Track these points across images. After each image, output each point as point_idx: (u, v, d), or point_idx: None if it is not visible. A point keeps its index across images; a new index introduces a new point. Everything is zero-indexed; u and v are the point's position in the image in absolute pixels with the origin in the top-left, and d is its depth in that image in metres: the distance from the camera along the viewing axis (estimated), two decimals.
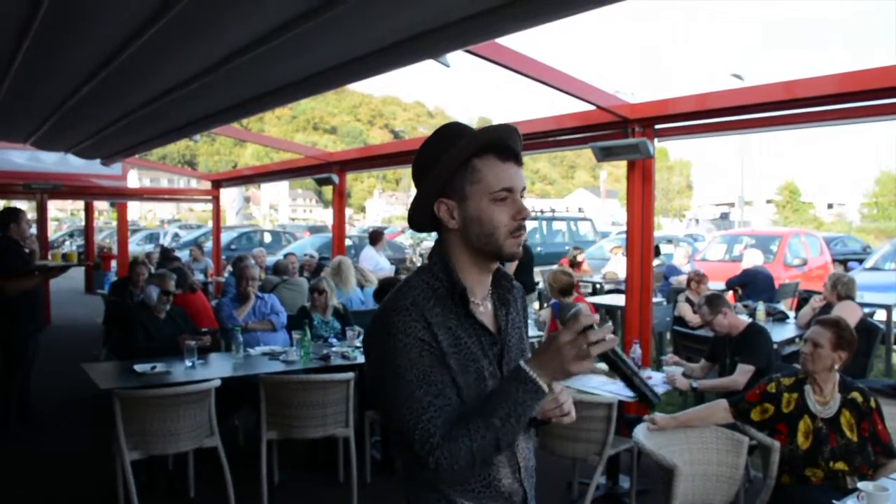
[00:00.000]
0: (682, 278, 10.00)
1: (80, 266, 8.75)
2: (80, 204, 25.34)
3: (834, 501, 2.66)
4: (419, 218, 1.67)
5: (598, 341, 1.43)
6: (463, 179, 1.58)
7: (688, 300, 7.75)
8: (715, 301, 4.94)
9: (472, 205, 1.57)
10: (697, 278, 8.02)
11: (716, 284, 8.70)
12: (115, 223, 20.48)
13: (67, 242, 26.38)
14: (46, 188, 11.25)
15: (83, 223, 18.99)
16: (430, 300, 1.56)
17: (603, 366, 4.68)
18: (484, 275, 1.66)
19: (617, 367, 1.51)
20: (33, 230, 8.65)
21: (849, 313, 5.68)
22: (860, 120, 4.90)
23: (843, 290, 6.40)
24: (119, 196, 13.76)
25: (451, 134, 1.62)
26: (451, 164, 1.57)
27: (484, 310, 1.66)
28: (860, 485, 2.62)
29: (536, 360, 1.48)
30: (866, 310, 7.32)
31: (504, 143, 1.60)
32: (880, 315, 8.50)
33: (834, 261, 14.43)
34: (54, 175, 11.08)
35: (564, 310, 1.52)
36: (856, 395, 3.38)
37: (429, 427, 1.47)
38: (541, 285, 12.23)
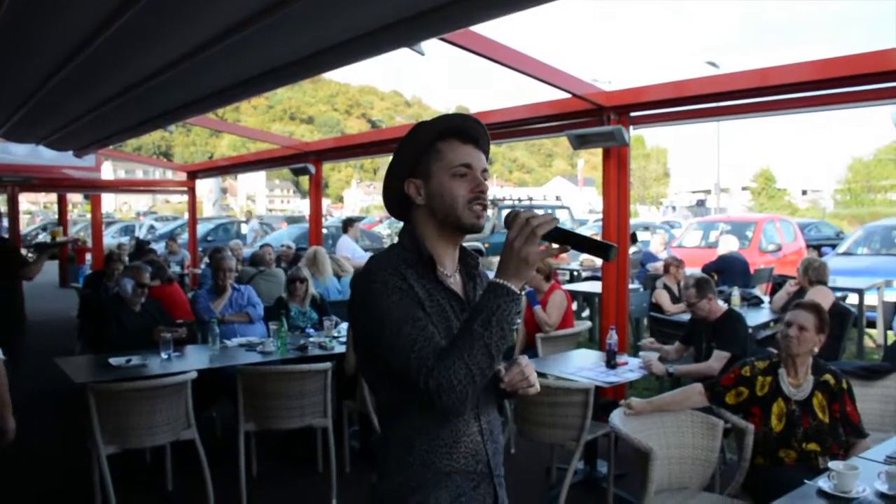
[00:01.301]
0: (659, 265, 10.05)
1: (62, 245, 8.66)
2: (54, 196, 25.03)
3: (806, 481, 2.70)
4: (391, 198, 1.85)
5: (542, 223, 1.56)
6: (428, 160, 1.75)
7: (665, 287, 7.80)
8: (704, 285, 4.98)
9: (435, 181, 1.74)
10: (676, 264, 8.07)
11: (692, 270, 8.76)
12: (89, 216, 20.25)
13: (41, 236, 26.02)
14: (17, 181, 11.09)
15: (56, 216, 18.75)
16: (402, 264, 1.70)
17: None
18: (450, 247, 1.80)
19: (567, 240, 1.60)
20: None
21: (821, 298, 5.75)
22: (834, 107, 4.95)
23: (814, 274, 6.47)
24: (93, 188, 13.56)
25: (419, 124, 1.80)
26: (417, 146, 1.76)
27: (454, 281, 1.80)
28: (831, 464, 2.67)
29: (499, 269, 1.60)
30: (839, 294, 7.41)
31: (463, 127, 1.77)
32: (853, 299, 8.62)
33: (808, 246, 14.57)
34: (25, 167, 10.92)
35: (507, 217, 1.63)
36: (828, 377, 3.43)
37: (422, 354, 1.56)
38: None
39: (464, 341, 1.55)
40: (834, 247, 13.98)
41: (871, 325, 9.40)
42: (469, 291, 1.81)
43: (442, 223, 1.75)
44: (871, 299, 9.19)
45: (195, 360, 5.00)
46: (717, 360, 4.69)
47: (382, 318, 1.61)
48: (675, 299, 7.51)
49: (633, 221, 11.45)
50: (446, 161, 1.73)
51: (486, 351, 1.54)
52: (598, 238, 1.64)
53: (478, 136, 1.79)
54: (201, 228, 19.17)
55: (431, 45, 4.29)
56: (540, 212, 1.60)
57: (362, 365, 1.80)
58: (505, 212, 18.51)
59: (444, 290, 1.73)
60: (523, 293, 6.25)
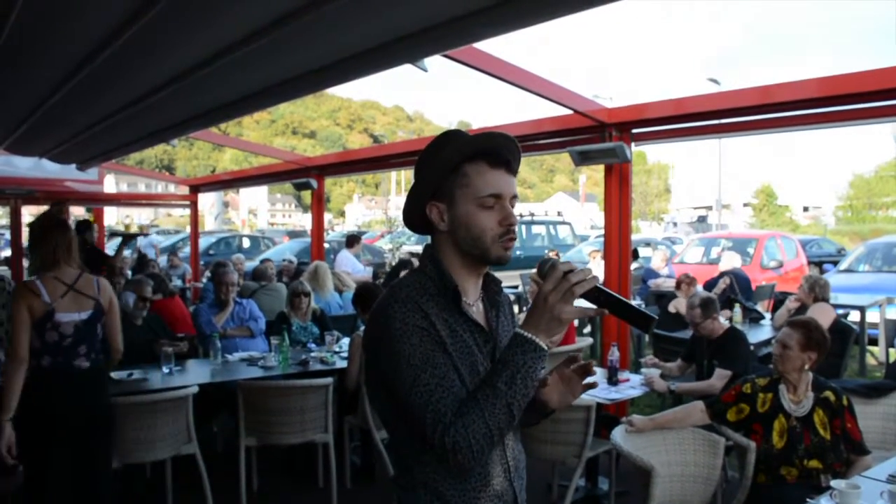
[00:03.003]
0: (661, 281, 10.05)
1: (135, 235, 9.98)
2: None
3: (808, 500, 2.69)
4: (412, 218, 1.72)
5: (581, 281, 1.46)
6: (453, 183, 1.61)
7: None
8: (710, 306, 5.00)
9: (460, 208, 1.61)
10: (687, 281, 8.07)
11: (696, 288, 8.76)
12: None
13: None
14: (20, 193, 11.10)
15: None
16: (424, 296, 1.59)
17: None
18: (473, 276, 1.69)
19: (605, 303, 1.51)
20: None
21: (822, 315, 5.75)
22: (836, 124, 4.96)
23: (820, 291, 6.49)
24: (95, 201, 13.57)
25: (448, 139, 1.66)
26: (441, 167, 1.62)
27: (476, 310, 1.69)
28: (833, 483, 2.66)
29: (528, 322, 1.51)
30: (840, 311, 7.40)
31: (495, 150, 1.62)
32: (854, 316, 8.61)
33: (809, 263, 14.59)
34: (28, 180, 10.93)
35: (542, 266, 1.54)
36: (828, 393, 3.43)
37: (439, 407, 1.47)
38: (520, 289, 12.26)
39: (485, 398, 1.47)
40: (835, 264, 14.00)
41: (873, 342, 9.38)
42: (492, 320, 1.71)
43: (466, 253, 1.63)
44: (872, 316, 9.17)
45: (196, 374, 5.00)
46: (719, 378, 4.68)
47: (400, 362, 1.51)
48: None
49: (634, 237, 11.46)
50: (474, 189, 1.60)
51: (507, 410, 1.47)
52: (639, 307, 1.53)
53: (510, 158, 1.65)
54: (203, 242, 19.19)
55: (434, 61, 4.31)
56: (566, 263, 1.49)
57: (372, 398, 1.70)
58: None
59: (468, 321, 1.62)
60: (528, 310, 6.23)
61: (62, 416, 3.43)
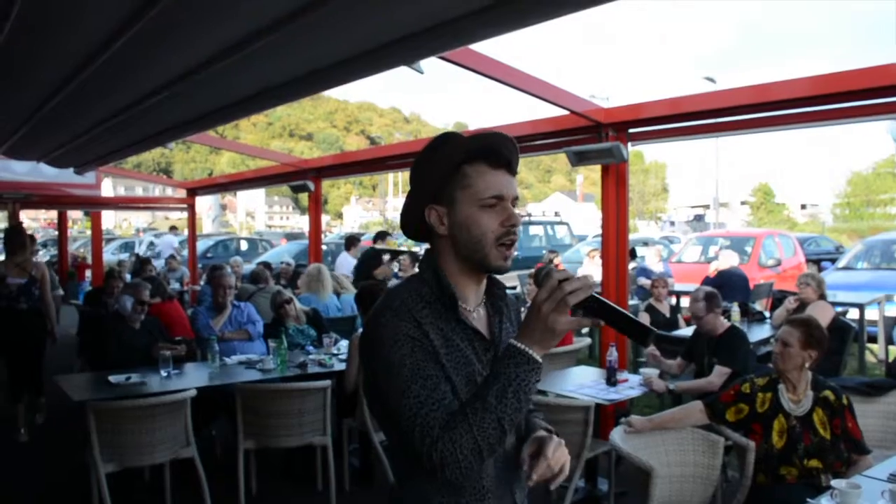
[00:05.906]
0: (648, 282, 9.97)
1: (399, 253, 10.39)
2: (54, 213, 25.03)
3: (809, 500, 2.69)
4: (410, 223, 1.67)
5: (576, 290, 1.40)
6: (453, 185, 1.57)
7: (650, 308, 7.77)
8: (713, 299, 5.00)
9: (460, 211, 1.56)
10: (662, 284, 8.03)
11: (691, 286, 8.75)
12: (89, 232, 20.24)
13: (41, 252, 25.97)
14: (18, 198, 11.11)
15: (57, 233, 18.75)
16: (419, 304, 1.54)
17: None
18: (474, 283, 1.64)
19: (601, 314, 1.43)
20: None
21: (821, 313, 5.76)
22: (831, 122, 4.95)
23: (822, 288, 6.51)
24: (93, 205, 13.58)
25: (445, 141, 1.62)
26: (441, 169, 1.58)
27: (477, 316, 1.64)
28: (833, 483, 2.66)
29: (522, 332, 1.45)
30: (839, 309, 7.41)
31: (495, 150, 1.58)
32: (853, 314, 8.61)
33: (807, 261, 14.59)
34: (26, 184, 10.94)
35: (538, 274, 1.49)
36: (828, 393, 3.42)
37: (427, 420, 1.42)
38: (518, 289, 12.26)
39: (474, 412, 1.41)
40: (833, 261, 14.00)
41: (873, 339, 9.38)
42: (494, 327, 1.65)
43: (466, 259, 1.59)
44: (871, 314, 9.18)
45: (195, 377, 4.99)
46: (718, 375, 4.68)
47: (390, 372, 1.47)
48: (665, 319, 7.54)
49: (632, 237, 11.45)
50: (474, 190, 1.55)
51: (497, 425, 1.41)
52: (637, 318, 1.45)
53: (510, 158, 1.59)
54: (201, 245, 19.17)
55: (430, 62, 4.30)
56: (565, 270, 1.44)
57: (371, 405, 1.65)
58: None
59: (466, 329, 1.57)
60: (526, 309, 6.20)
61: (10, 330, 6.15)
